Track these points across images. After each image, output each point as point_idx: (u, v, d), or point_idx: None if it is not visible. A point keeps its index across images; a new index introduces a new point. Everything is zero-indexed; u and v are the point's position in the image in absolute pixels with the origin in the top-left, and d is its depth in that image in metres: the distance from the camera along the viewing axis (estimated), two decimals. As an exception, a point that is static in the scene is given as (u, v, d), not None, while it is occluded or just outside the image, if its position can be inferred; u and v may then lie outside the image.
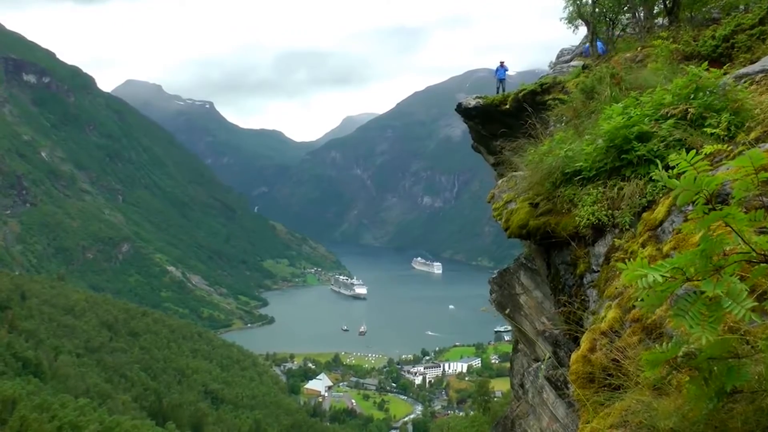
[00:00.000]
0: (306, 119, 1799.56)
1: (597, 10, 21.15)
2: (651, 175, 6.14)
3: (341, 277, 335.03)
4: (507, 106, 18.88)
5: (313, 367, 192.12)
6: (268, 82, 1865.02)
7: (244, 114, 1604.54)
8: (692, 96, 7.48)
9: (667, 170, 3.57)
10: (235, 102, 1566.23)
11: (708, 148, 3.59)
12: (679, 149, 6.58)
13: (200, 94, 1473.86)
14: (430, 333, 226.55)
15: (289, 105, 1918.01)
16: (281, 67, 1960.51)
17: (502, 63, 26.28)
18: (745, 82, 8.09)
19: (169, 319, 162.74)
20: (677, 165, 3.18)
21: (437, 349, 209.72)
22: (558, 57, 24.92)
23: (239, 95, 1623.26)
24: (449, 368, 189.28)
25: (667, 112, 7.51)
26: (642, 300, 3.07)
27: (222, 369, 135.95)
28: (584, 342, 5.10)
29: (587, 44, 20.71)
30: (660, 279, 2.88)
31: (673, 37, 13.40)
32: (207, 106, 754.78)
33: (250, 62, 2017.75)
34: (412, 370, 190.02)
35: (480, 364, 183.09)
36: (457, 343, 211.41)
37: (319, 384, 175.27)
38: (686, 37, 12.97)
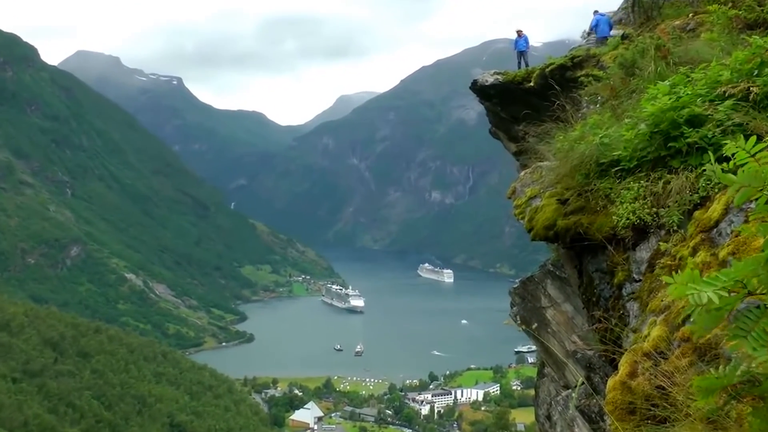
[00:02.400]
0: (293, 99, 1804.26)
1: (640, -32, 21.07)
2: (704, 166, 6.13)
3: (334, 286, 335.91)
4: (531, 84, 18.86)
5: (300, 394, 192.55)
6: (250, 55, 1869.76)
7: (220, 92, 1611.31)
8: (756, 72, 7.46)
9: (721, 162, 3.53)
10: (208, 78, 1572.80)
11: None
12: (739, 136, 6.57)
13: (167, 68, 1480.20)
14: (438, 353, 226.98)
15: (273, 81, 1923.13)
16: (265, 37, 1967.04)
17: (519, 32, 26.19)
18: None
19: (128, 337, 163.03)
20: (734, 155, 3.13)
21: (447, 372, 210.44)
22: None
23: (214, 70, 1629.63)
24: (462, 396, 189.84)
25: (725, 92, 7.49)
26: (693, 321, 3.03)
27: (191, 397, 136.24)
28: (623, 365, 5.10)
29: (599, 17, 19.56)
30: (716, 298, 2.82)
31: (733, 1, 13.38)
32: (174, 82, 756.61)
33: (228, 30, 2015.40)
34: (417, 397, 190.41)
35: (498, 391, 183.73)
36: (471, 366, 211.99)
37: (308, 414, 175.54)
38: (749, 1, 12.95)
